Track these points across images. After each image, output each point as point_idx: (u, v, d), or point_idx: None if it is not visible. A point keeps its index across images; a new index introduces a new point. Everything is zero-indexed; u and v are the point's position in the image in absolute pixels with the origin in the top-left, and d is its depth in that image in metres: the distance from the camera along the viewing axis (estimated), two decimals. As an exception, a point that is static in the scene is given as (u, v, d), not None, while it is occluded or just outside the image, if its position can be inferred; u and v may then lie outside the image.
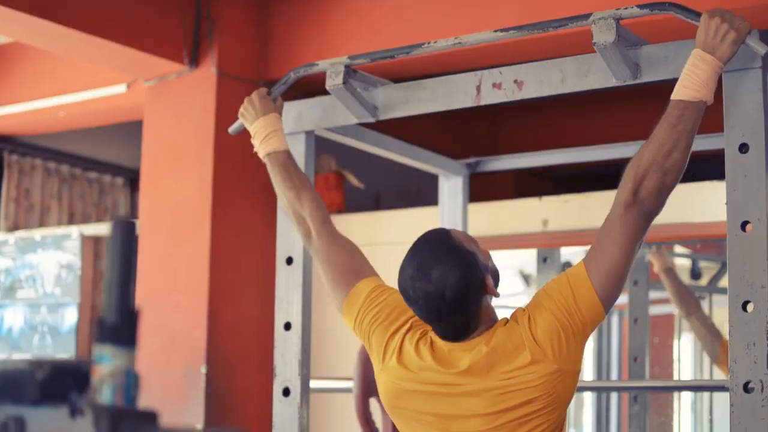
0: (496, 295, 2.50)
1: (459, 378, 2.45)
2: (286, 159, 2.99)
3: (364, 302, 2.66)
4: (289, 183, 2.94)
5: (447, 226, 3.87)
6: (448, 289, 2.41)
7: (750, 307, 2.43)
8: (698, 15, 2.48)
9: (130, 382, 1.18)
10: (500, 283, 2.55)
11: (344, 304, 2.72)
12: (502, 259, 5.28)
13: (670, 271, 4.90)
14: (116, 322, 1.17)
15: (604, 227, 2.45)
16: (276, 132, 3.02)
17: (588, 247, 2.50)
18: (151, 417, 1.17)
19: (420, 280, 2.43)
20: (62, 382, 1.20)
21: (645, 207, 2.41)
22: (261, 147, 3.02)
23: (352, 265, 2.77)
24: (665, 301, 5.14)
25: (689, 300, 4.90)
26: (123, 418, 1.14)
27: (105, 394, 1.17)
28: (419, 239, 2.53)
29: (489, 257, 2.54)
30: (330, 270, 2.79)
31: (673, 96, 2.45)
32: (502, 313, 2.57)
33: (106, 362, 1.17)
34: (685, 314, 4.89)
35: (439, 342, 2.52)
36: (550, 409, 2.41)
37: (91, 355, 1.20)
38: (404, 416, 2.55)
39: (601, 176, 4.49)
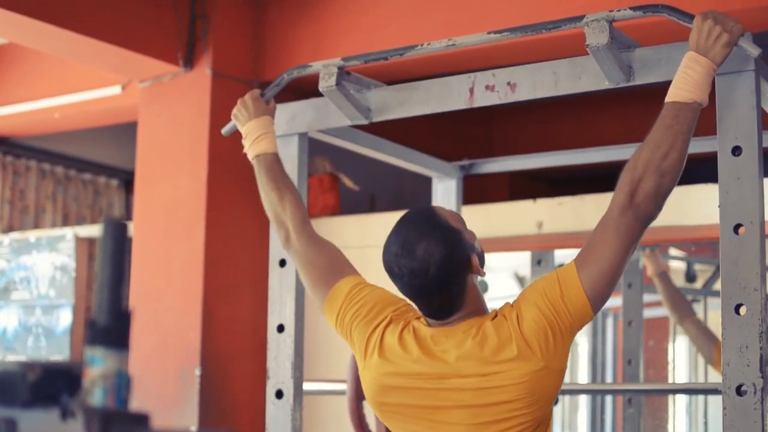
0: (482, 274, 2.50)
1: (444, 370, 2.45)
2: (273, 161, 2.98)
3: (344, 300, 2.65)
4: (273, 185, 2.93)
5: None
6: (433, 266, 2.41)
7: (743, 310, 2.43)
8: (691, 17, 2.48)
9: (121, 384, 1.17)
10: (485, 263, 2.55)
11: (325, 303, 2.70)
12: (496, 262, 5.31)
13: (664, 276, 4.90)
14: (108, 323, 1.17)
15: (598, 229, 2.44)
16: (266, 135, 3.01)
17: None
18: (142, 419, 1.17)
19: (404, 256, 2.43)
20: (53, 384, 1.20)
21: (641, 211, 2.39)
22: (250, 149, 3.02)
23: (332, 265, 2.76)
24: (660, 304, 5.14)
25: (682, 305, 4.89)
26: (114, 420, 1.13)
27: (96, 396, 1.16)
28: (404, 216, 2.54)
29: (474, 237, 2.54)
30: (310, 271, 2.78)
31: (668, 98, 2.44)
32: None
33: (98, 364, 1.17)
34: (677, 319, 4.88)
35: (423, 329, 2.51)
36: (535, 407, 2.41)
37: (82, 357, 1.19)
38: (389, 411, 2.55)
39: (596, 178, 4.50)
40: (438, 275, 2.42)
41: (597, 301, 2.42)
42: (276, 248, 3.20)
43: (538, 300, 2.42)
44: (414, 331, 2.52)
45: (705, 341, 4.83)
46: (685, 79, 2.42)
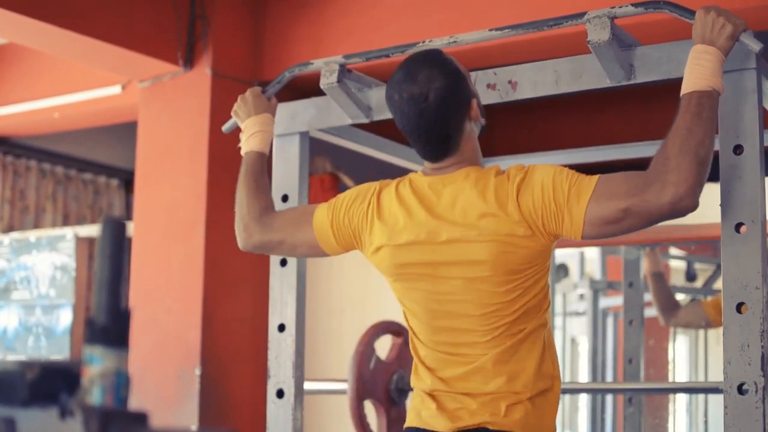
0: (480, 120, 2.51)
1: (438, 223, 2.42)
2: (255, 159, 2.91)
3: (331, 223, 2.61)
4: (245, 183, 2.89)
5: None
6: (432, 92, 2.41)
7: (744, 309, 2.43)
8: (692, 13, 2.47)
9: (120, 383, 1.17)
10: (486, 114, 2.56)
11: (319, 242, 2.66)
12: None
13: (658, 276, 4.89)
14: (106, 322, 1.17)
15: (629, 185, 2.30)
16: (261, 132, 2.98)
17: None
18: (141, 418, 1.16)
19: (406, 82, 2.44)
20: (52, 383, 1.19)
21: (682, 206, 2.26)
22: (243, 145, 3.00)
23: (298, 217, 2.72)
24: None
25: (670, 307, 4.86)
26: (113, 419, 1.13)
27: (95, 395, 1.16)
28: (412, 53, 2.57)
29: (478, 94, 2.55)
30: (287, 242, 2.74)
31: (685, 90, 2.36)
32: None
33: (96, 363, 1.17)
34: (664, 321, 4.86)
35: (419, 179, 2.50)
36: (534, 268, 2.40)
37: (81, 356, 1.19)
38: (404, 278, 2.51)
39: (596, 178, 4.49)
40: (436, 103, 2.42)
41: (589, 232, 2.36)
42: (276, 247, 3.20)
43: (547, 186, 2.36)
44: (410, 182, 2.52)
45: (694, 313, 4.83)
46: (699, 69, 2.37)
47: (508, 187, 2.39)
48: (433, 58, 2.48)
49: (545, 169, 2.41)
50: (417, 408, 2.53)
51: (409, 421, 2.55)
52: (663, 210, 2.27)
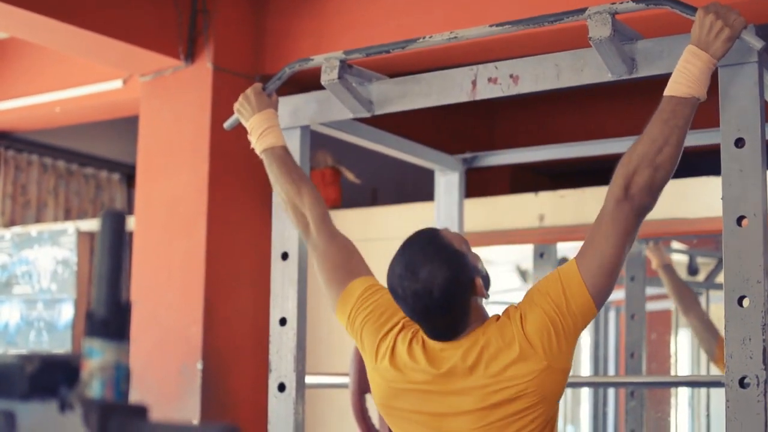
0: (485, 296, 2.49)
1: (449, 376, 2.45)
2: (283, 154, 2.98)
3: (356, 301, 2.66)
4: (288, 178, 2.92)
5: (443, 222, 3.88)
6: (436, 288, 2.40)
7: (746, 302, 2.43)
8: (693, 9, 2.47)
9: (120, 376, 1.17)
10: (491, 286, 2.54)
11: (338, 302, 2.71)
12: (498, 255, 5.31)
13: (668, 268, 4.90)
14: (106, 315, 1.17)
15: (596, 223, 2.44)
16: (272, 128, 3.01)
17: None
18: (141, 411, 1.16)
19: (408, 278, 2.43)
20: (52, 376, 1.19)
21: (636, 203, 2.40)
22: (258, 143, 3.01)
23: (348, 264, 2.76)
24: (662, 297, 5.14)
25: (687, 296, 4.90)
26: (112, 412, 1.13)
27: (94, 388, 1.16)
28: (409, 238, 2.53)
29: (479, 260, 2.53)
30: (326, 267, 2.78)
31: (666, 92, 2.45)
32: (498, 310, 2.57)
33: (96, 356, 1.17)
34: (683, 311, 4.89)
35: (431, 342, 2.51)
36: (541, 407, 2.41)
37: (81, 349, 1.19)
38: (396, 416, 2.55)
39: (598, 171, 4.48)
40: (441, 297, 2.41)
41: (599, 295, 2.41)
42: (278, 241, 3.20)
43: (541, 300, 2.42)
44: (423, 342, 2.52)
45: (708, 336, 4.83)
46: (684, 74, 2.42)
47: (512, 329, 2.44)
48: (432, 247, 2.46)
49: (533, 290, 2.49)
50: None
51: None
52: (619, 200, 2.40)
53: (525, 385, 2.39)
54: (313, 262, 2.86)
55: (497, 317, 2.49)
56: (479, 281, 2.47)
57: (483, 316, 2.51)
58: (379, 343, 2.57)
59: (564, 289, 2.40)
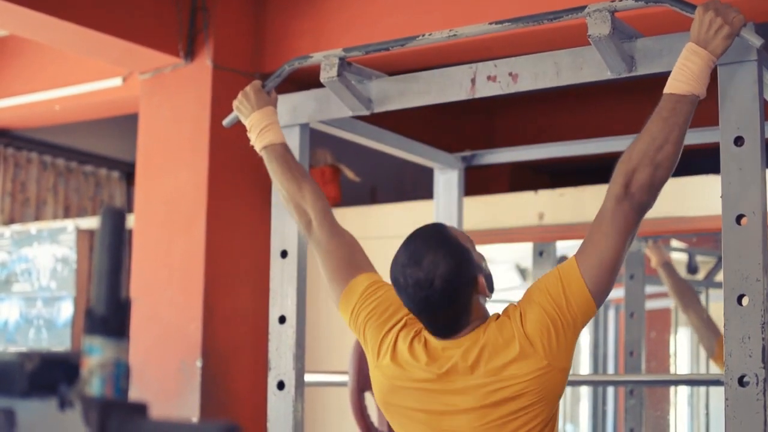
0: (488, 295, 2.49)
1: (449, 374, 2.45)
2: (284, 151, 2.98)
3: (360, 297, 2.66)
4: (289, 175, 2.93)
5: (442, 220, 3.88)
6: (438, 278, 2.41)
7: (745, 301, 2.43)
8: (693, 8, 2.47)
9: (119, 374, 1.17)
10: (494, 286, 2.54)
11: (341, 297, 2.71)
12: (498, 253, 5.31)
13: (668, 266, 4.90)
14: (106, 312, 1.16)
15: (596, 221, 2.45)
16: (272, 125, 3.01)
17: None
18: (141, 409, 1.16)
19: (410, 266, 2.43)
20: (51, 374, 1.19)
21: (636, 201, 2.40)
22: (257, 140, 3.01)
23: (352, 259, 2.77)
24: (662, 295, 5.14)
25: (687, 294, 4.90)
26: (112, 409, 1.13)
27: (94, 385, 1.16)
28: (414, 231, 2.54)
29: (483, 259, 2.53)
30: (329, 262, 2.78)
31: (666, 90, 2.45)
32: (497, 308, 2.57)
33: (96, 353, 1.16)
34: (683, 308, 4.89)
35: (433, 340, 2.51)
36: (540, 405, 2.41)
37: (80, 347, 1.19)
38: (396, 413, 2.55)
39: (597, 170, 4.49)
40: (442, 288, 2.41)
41: (599, 293, 2.42)
42: (277, 239, 3.20)
43: (541, 298, 2.42)
44: (425, 340, 2.52)
45: (707, 333, 4.83)
46: (684, 71, 2.42)
47: (512, 327, 2.44)
48: (437, 239, 2.47)
49: (533, 288, 2.50)
50: None
51: None
52: (619, 198, 2.40)
53: (525, 384, 2.39)
54: (316, 257, 2.86)
55: (497, 316, 2.49)
56: (482, 279, 2.47)
57: (484, 315, 2.51)
58: (382, 339, 2.57)
59: (564, 288, 2.40)
